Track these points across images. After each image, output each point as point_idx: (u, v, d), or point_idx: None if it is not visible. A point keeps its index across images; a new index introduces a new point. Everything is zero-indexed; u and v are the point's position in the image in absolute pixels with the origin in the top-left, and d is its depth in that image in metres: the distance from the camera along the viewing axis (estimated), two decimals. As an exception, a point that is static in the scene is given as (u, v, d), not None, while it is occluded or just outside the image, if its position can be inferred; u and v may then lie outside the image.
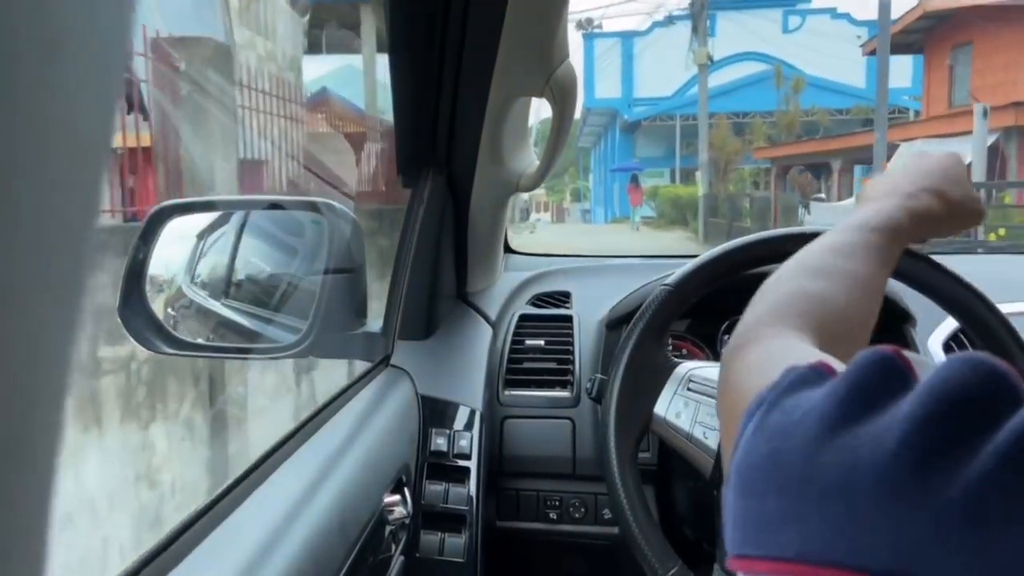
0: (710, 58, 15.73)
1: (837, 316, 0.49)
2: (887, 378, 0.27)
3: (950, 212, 0.64)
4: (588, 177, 24.64)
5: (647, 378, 0.86)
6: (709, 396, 0.84)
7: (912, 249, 0.77)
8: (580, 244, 11.81)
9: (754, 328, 0.47)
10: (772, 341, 0.44)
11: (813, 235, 0.59)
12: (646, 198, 18.11)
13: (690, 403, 0.85)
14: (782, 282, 0.52)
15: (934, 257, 0.78)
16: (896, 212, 0.59)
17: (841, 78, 19.06)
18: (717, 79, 17.91)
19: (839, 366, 0.32)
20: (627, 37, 22.28)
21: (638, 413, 0.85)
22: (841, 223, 0.60)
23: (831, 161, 15.13)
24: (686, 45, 16.52)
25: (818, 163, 15.75)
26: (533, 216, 26.21)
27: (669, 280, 0.85)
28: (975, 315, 0.77)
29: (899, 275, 0.79)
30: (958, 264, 0.79)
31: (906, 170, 0.66)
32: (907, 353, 0.28)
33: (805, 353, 0.41)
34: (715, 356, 1.16)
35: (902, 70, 15.72)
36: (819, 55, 18.74)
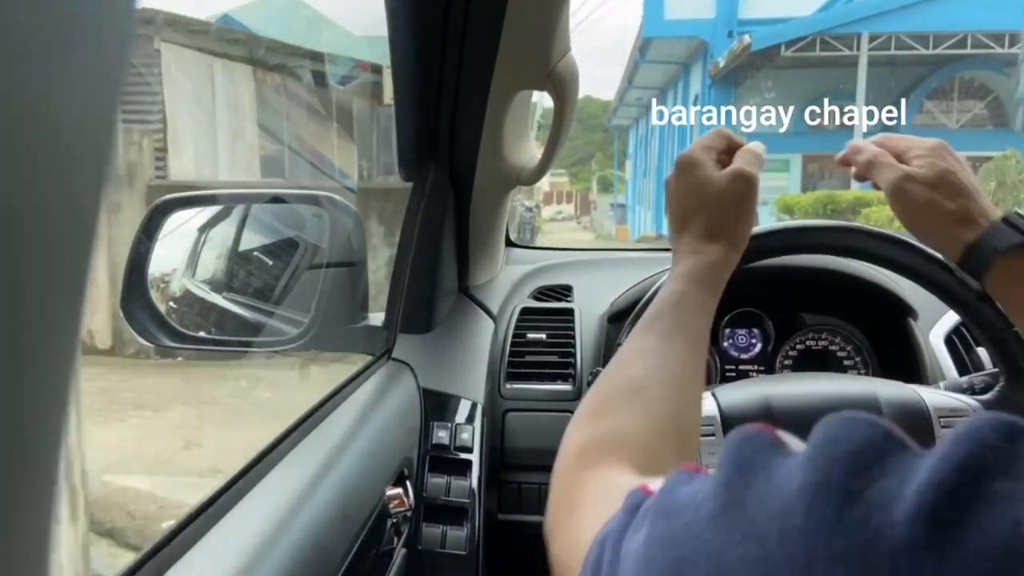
0: None
1: (669, 410, 0.51)
2: (765, 450, 0.27)
3: (737, 253, 0.63)
4: (624, 165, 16.92)
5: None
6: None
7: (904, 238, 0.77)
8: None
9: (589, 454, 0.48)
10: (598, 478, 0.45)
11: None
12: (778, 211, 8.24)
13: None
14: (610, 382, 0.56)
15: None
16: (703, 268, 0.60)
17: None
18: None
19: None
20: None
21: None
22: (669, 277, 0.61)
23: None
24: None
25: None
26: (553, 208, 21.71)
27: None
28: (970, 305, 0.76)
29: (890, 263, 0.79)
30: None
31: (703, 207, 0.63)
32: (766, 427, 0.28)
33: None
34: (716, 348, 1.16)
35: None
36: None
